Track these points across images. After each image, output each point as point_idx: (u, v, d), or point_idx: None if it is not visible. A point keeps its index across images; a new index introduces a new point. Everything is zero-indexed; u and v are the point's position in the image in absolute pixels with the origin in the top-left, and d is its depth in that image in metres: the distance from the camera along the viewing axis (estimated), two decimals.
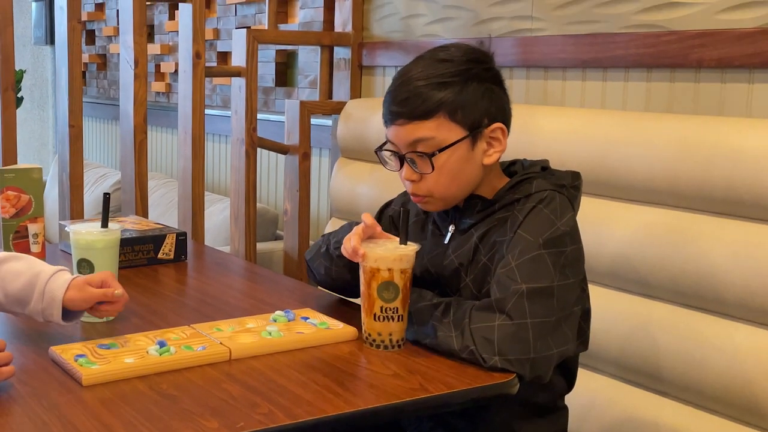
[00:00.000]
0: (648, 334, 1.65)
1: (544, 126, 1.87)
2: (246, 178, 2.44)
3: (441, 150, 1.36)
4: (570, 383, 1.46)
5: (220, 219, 2.84)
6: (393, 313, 1.31)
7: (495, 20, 2.10)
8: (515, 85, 2.07)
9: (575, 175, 1.44)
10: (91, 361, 1.23)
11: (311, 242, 2.64)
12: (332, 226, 2.50)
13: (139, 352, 1.28)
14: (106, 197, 1.49)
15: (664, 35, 1.74)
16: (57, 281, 1.33)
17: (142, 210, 2.35)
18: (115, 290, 1.33)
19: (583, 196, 1.77)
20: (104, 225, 1.50)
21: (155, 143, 3.88)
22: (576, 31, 1.91)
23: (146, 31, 2.30)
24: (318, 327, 1.42)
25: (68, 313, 1.33)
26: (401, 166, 1.41)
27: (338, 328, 1.40)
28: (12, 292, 1.34)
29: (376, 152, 1.45)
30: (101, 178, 3.79)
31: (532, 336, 1.26)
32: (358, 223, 1.44)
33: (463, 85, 1.36)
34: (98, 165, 4.11)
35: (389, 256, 1.29)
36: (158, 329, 1.42)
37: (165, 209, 3.18)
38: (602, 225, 1.73)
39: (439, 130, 1.36)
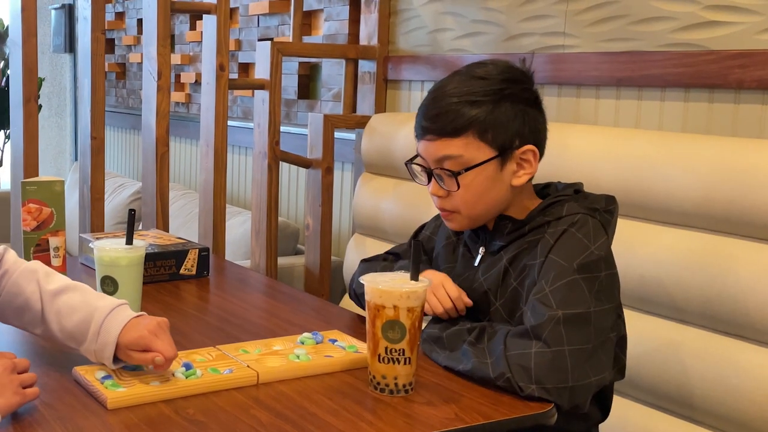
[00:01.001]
0: (680, 360, 1.60)
1: (576, 145, 1.83)
2: (268, 192, 2.41)
3: (467, 169, 1.33)
4: (605, 412, 1.42)
5: (240, 232, 2.81)
6: (399, 355, 1.21)
7: (526, 36, 2.06)
8: (546, 102, 2.01)
9: (610, 200, 1.40)
10: (116, 383, 1.20)
11: (333, 258, 2.61)
12: (355, 242, 2.46)
13: (164, 374, 1.24)
14: (132, 213, 1.46)
15: (702, 54, 1.69)
16: (112, 323, 1.24)
17: (163, 224, 2.32)
18: (155, 357, 1.21)
19: (621, 219, 1.74)
20: (129, 242, 1.47)
21: (174, 154, 3.85)
22: (610, 48, 1.87)
23: (170, 43, 2.27)
24: (347, 350, 1.38)
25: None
26: (429, 180, 1.38)
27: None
28: (67, 328, 1.27)
29: (406, 164, 1.43)
30: (119, 187, 3.77)
31: (570, 364, 1.22)
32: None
33: (496, 104, 1.33)
34: (116, 174, 4.09)
35: (394, 292, 1.19)
36: (183, 349, 1.38)
37: (184, 221, 3.15)
38: (636, 248, 1.68)
39: (467, 148, 1.33)
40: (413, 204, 2.20)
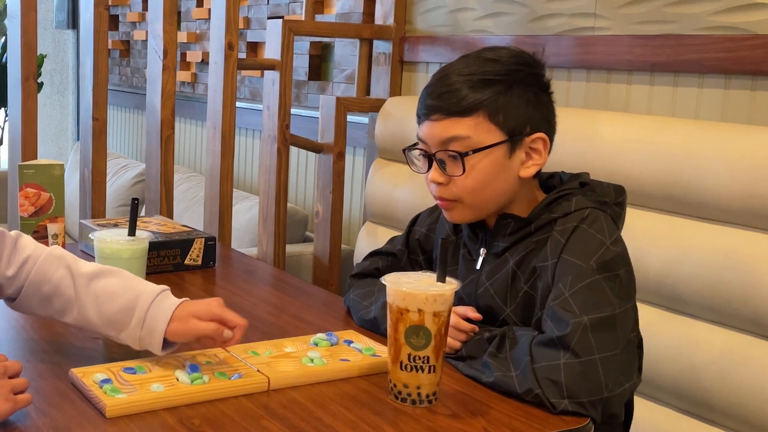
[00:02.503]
0: (720, 366, 1.50)
1: (606, 133, 1.72)
2: (277, 177, 2.31)
3: (476, 151, 1.23)
4: (628, 417, 1.33)
5: (246, 218, 2.70)
6: (423, 362, 1.11)
7: (553, 17, 1.95)
8: (573, 87, 1.92)
9: (619, 190, 1.30)
10: (116, 388, 1.10)
11: (343, 246, 2.50)
12: (366, 231, 2.36)
13: (168, 378, 1.15)
14: (135, 203, 1.36)
15: (745, 39, 1.58)
16: (159, 309, 1.18)
17: (167, 210, 2.22)
18: (224, 331, 1.17)
19: (650, 212, 1.64)
20: (131, 233, 1.37)
21: (179, 136, 3.75)
22: (644, 31, 1.75)
23: (176, 20, 2.16)
24: (364, 354, 1.29)
25: (166, 343, 1.19)
26: (429, 167, 1.27)
27: (386, 357, 1.26)
28: (107, 314, 1.19)
29: (404, 151, 1.32)
30: (122, 169, 3.67)
31: (603, 373, 1.14)
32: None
33: (509, 86, 1.24)
34: (119, 155, 3.98)
35: (419, 295, 1.09)
36: (188, 349, 1.29)
37: (188, 205, 3.05)
38: (672, 245, 1.58)
39: (476, 129, 1.23)
40: (429, 192, 2.09)
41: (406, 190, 2.20)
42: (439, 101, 1.25)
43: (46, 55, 4.69)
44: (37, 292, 1.22)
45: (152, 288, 1.21)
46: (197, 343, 1.21)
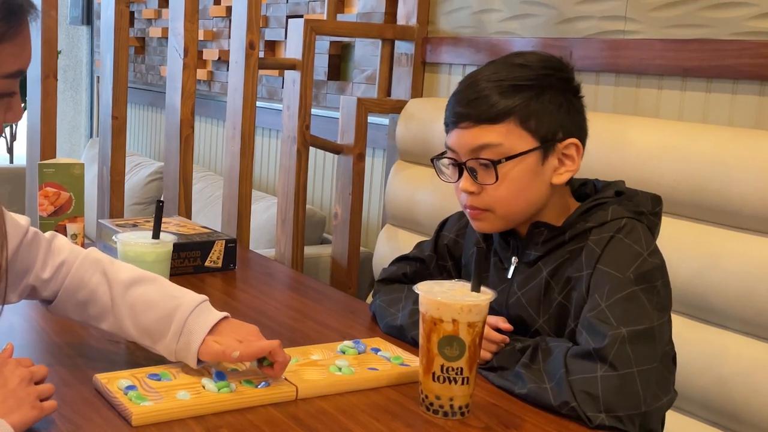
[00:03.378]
0: (751, 378, 1.46)
1: (636, 139, 1.69)
2: (296, 179, 2.28)
3: (508, 158, 1.19)
4: None
5: (263, 219, 2.68)
6: (456, 374, 1.08)
7: (582, 19, 1.92)
8: (601, 91, 1.88)
9: (656, 200, 1.27)
10: (142, 396, 1.08)
11: (362, 248, 2.48)
12: (386, 234, 2.33)
13: (194, 386, 1.12)
14: (160, 206, 1.33)
15: None
16: (197, 323, 1.15)
17: (186, 210, 2.19)
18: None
19: (681, 219, 1.60)
20: (156, 236, 1.34)
21: (195, 134, 3.72)
22: (677, 35, 1.72)
23: (197, 18, 2.14)
24: (392, 362, 1.26)
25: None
26: (460, 176, 1.24)
27: (416, 366, 1.23)
28: (143, 324, 1.17)
29: (432, 161, 1.29)
30: (137, 167, 3.65)
31: (641, 387, 1.10)
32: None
33: (539, 91, 1.21)
34: (134, 153, 3.96)
35: (454, 305, 1.06)
36: None
37: (203, 205, 3.02)
38: (702, 253, 1.54)
39: (508, 136, 1.20)
40: (452, 196, 2.04)
41: (428, 193, 2.17)
42: (469, 108, 1.22)
43: (60, 51, 4.68)
44: (72, 297, 1.19)
45: (191, 298, 1.17)
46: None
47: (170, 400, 1.08)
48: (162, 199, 1.35)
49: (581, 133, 1.25)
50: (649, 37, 1.78)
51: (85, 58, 4.93)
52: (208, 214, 2.94)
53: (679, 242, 1.58)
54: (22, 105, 0.98)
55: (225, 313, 1.18)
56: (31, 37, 0.94)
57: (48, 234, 1.23)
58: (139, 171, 3.61)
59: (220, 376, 1.14)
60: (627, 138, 1.70)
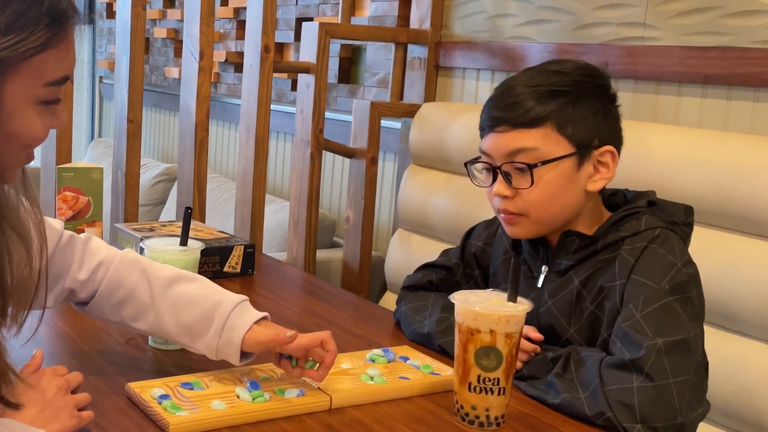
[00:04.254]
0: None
1: (656, 147, 1.69)
2: (309, 183, 2.27)
3: (544, 162, 1.20)
4: None
5: (273, 222, 2.67)
6: (493, 384, 1.08)
7: (600, 25, 1.92)
8: (620, 97, 1.86)
9: (688, 211, 1.28)
10: (176, 405, 1.07)
11: (374, 253, 2.47)
12: (399, 238, 2.33)
13: (228, 395, 1.12)
14: (188, 212, 1.33)
15: None
16: (239, 319, 1.15)
17: (200, 214, 2.19)
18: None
19: (705, 228, 1.60)
20: (183, 242, 1.34)
21: None
22: (698, 42, 1.72)
23: (213, 21, 2.13)
24: (422, 371, 1.26)
25: (243, 354, 1.16)
26: (494, 180, 1.24)
27: (447, 375, 1.23)
28: (185, 322, 1.16)
29: (466, 165, 1.29)
30: (142, 168, 3.61)
31: (677, 398, 1.10)
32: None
33: (576, 97, 1.22)
34: None
35: (492, 315, 1.06)
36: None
37: (212, 207, 3.01)
38: (725, 261, 1.54)
39: (544, 141, 1.20)
40: (467, 201, 2.06)
41: (442, 198, 2.17)
42: (505, 112, 1.22)
43: None
44: (111, 297, 1.19)
45: (232, 296, 1.18)
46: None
47: (206, 410, 1.07)
48: (190, 207, 1.34)
49: (617, 141, 1.26)
50: (668, 44, 1.78)
51: (87, 57, 4.91)
52: (216, 217, 2.94)
53: (701, 250, 1.57)
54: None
55: (265, 313, 1.18)
56: (74, 42, 0.93)
57: (83, 236, 1.22)
58: (144, 172, 3.59)
59: (255, 385, 1.14)
60: (648, 145, 1.69)
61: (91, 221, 1.78)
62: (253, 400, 1.11)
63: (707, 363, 1.26)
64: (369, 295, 2.44)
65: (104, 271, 1.19)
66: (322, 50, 2.23)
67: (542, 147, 1.21)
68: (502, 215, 1.26)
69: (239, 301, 1.17)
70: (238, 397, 1.12)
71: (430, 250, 2.21)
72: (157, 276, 1.18)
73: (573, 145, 1.21)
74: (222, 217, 2.92)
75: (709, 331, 1.57)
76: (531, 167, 1.20)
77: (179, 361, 1.28)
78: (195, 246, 1.35)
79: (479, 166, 1.28)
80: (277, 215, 2.70)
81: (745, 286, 1.51)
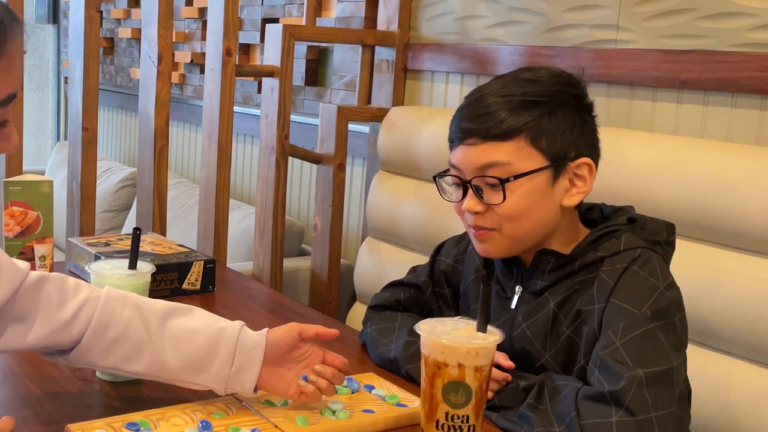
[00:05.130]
0: (759, 407, 1.41)
1: (630, 154, 1.62)
2: (275, 190, 2.19)
3: (517, 177, 1.12)
4: None
5: (239, 230, 2.59)
6: (462, 422, 1.01)
7: (572, 27, 1.85)
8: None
9: (670, 229, 1.21)
10: None
11: (343, 261, 2.40)
12: (368, 246, 2.26)
13: None
14: (137, 234, 1.24)
15: None
16: (248, 346, 1.09)
17: (161, 226, 2.10)
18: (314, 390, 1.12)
19: (684, 241, 1.54)
20: (132, 266, 1.25)
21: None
22: (673, 45, 1.66)
23: (172, 24, 2.04)
24: (387, 402, 1.18)
25: None
26: (464, 195, 1.17)
27: (414, 407, 1.16)
28: (187, 355, 1.08)
29: (434, 179, 1.22)
30: (106, 172, 3.53)
31: None
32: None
33: (552, 109, 1.14)
34: (103, 158, 3.84)
35: (460, 348, 0.99)
36: (193, 393, 1.18)
37: (177, 214, 2.92)
38: (704, 276, 1.48)
39: (517, 155, 1.13)
40: (438, 209, 1.99)
41: (411, 206, 2.10)
42: (476, 124, 1.15)
43: (26, 51, 4.53)
44: (101, 338, 1.08)
45: (234, 324, 1.11)
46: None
47: None
48: (139, 228, 1.26)
49: (594, 154, 1.19)
50: (642, 47, 1.71)
51: (52, 57, 4.78)
52: (182, 224, 2.85)
53: (679, 264, 1.51)
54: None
55: (264, 330, 1.12)
56: (21, 54, 0.83)
57: (55, 275, 1.10)
58: (109, 177, 3.49)
59: (206, 425, 1.06)
60: (622, 152, 1.63)
61: (40, 237, 1.68)
62: None
63: (690, 390, 1.20)
64: (338, 306, 2.37)
65: (90, 309, 1.08)
66: (287, 53, 2.15)
67: (515, 161, 1.13)
68: (473, 231, 1.19)
69: (240, 328, 1.11)
70: None
71: (401, 260, 2.14)
72: (151, 309, 1.09)
73: (547, 158, 1.15)
74: (188, 225, 2.83)
75: (689, 349, 1.51)
76: (503, 182, 1.13)
77: (128, 394, 1.20)
78: (145, 270, 1.26)
79: (449, 179, 1.20)
80: (244, 222, 2.62)
81: (725, 302, 1.45)
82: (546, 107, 1.14)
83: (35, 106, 4.84)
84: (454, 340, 1.00)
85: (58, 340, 1.08)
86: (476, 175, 1.15)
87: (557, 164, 1.15)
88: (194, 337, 1.08)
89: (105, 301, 1.09)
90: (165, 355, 1.08)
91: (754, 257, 1.44)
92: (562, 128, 1.15)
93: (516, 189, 1.14)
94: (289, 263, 2.42)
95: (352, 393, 1.20)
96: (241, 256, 2.54)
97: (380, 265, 2.20)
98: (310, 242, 2.50)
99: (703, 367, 1.48)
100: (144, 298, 1.12)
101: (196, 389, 1.11)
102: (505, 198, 1.13)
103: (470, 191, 1.16)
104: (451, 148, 1.20)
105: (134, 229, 1.25)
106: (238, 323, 1.12)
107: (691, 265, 1.50)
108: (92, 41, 2.02)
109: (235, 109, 2.94)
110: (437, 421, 1.02)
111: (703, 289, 1.47)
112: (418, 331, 1.02)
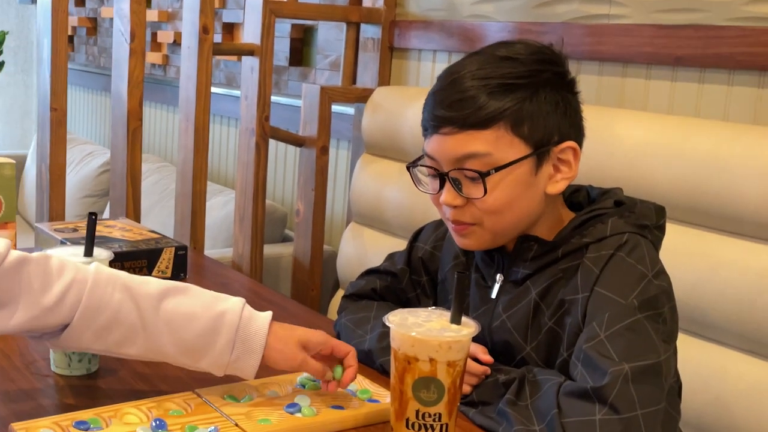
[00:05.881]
0: (753, 399, 1.34)
1: (622, 134, 1.55)
2: (255, 174, 2.11)
3: (498, 169, 1.04)
4: None
5: (221, 215, 2.51)
6: (434, 420, 0.94)
7: (562, 2, 1.77)
8: (583, 80, 1.74)
9: (660, 212, 1.13)
10: None
11: (326, 247, 2.32)
12: (352, 232, 2.18)
13: None
14: (92, 219, 1.16)
15: None
16: (253, 326, 1.04)
17: (134, 211, 2.02)
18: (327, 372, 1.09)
19: (677, 225, 1.47)
20: (88, 252, 1.17)
21: (150, 122, 3.53)
22: (668, 20, 1.58)
23: None
24: (358, 397, 1.11)
25: None
26: (441, 187, 1.09)
27: (386, 402, 1.08)
28: (186, 340, 1.02)
29: (408, 168, 1.13)
30: (88, 156, 3.45)
31: (645, 431, 0.96)
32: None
33: (533, 91, 1.05)
34: (85, 141, 3.75)
35: (431, 341, 0.92)
36: (151, 388, 1.11)
37: (158, 199, 2.84)
38: (698, 262, 1.41)
39: (497, 144, 1.04)
40: (423, 194, 1.90)
41: (396, 189, 2.02)
42: (452, 111, 1.05)
43: (8, 32, 4.43)
44: (91, 323, 1.00)
45: (233, 302, 1.05)
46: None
47: None
48: (95, 212, 1.18)
49: (578, 135, 1.10)
50: (636, 22, 1.63)
51: (36, 38, 4.69)
52: (162, 209, 2.77)
53: (672, 249, 1.44)
54: None
55: (269, 312, 1.07)
56: None
57: (37, 255, 1.02)
58: (91, 161, 3.41)
59: (161, 424, 0.99)
60: (614, 132, 1.55)
61: (3, 223, 1.60)
62: None
63: (680, 384, 1.12)
64: (321, 293, 2.29)
65: (77, 292, 1.00)
66: (267, 30, 2.06)
67: (495, 152, 1.04)
68: (452, 225, 1.11)
69: (242, 307, 1.04)
70: None
71: (385, 246, 2.06)
72: (143, 292, 1.02)
73: (530, 145, 1.06)
74: (169, 210, 2.75)
75: (682, 339, 1.43)
76: (483, 175, 1.04)
77: (82, 390, 1.12)
78: (102, 256, 1.19)
79: (424, 169, 1.12)
80: (226, 207, 2.54)
81: (719, 290, 1.38)
82: (527, 90, 1.05)
83: (20, 89, 4.75)
84: (425, 333, 0.92)
85: (42, 323, 1.00)
86: (454, 167, 1.06)
87: (540, 151, 1.06)
88: (191, 322, 1.02)
89: (93, 283, 1.01)
90: (161, 340, 1.02)
91: (750, 242, 1.37)
92: (545, 111, 1.06)
93: (497, 182, 1.05)
94: (271, 249, 2.35)
95: (320, 388, 1.13)
96: (222, 242, 2.46)
97: (364, 252, 2.13)
98: (293, 228, 2.42)
99: (695, 358, 1.41)
100: (135, 278, 1.05)
101: (197, 370, 1.06)
102: (486, 192, 1.05)
103: (448, 184, 1.08)
104: (425, 136, 1.11)
105: (89, 213, 1.17)
106: (239, 304, 1.05)
107: (683, 251, 1.43)
108: (60, 17, 1.93)
109: (219, 90, 2.87)
110: (407, 420, 0.95)
111: (696, 276, 1.40)
112: (387, 323, 0.95)
